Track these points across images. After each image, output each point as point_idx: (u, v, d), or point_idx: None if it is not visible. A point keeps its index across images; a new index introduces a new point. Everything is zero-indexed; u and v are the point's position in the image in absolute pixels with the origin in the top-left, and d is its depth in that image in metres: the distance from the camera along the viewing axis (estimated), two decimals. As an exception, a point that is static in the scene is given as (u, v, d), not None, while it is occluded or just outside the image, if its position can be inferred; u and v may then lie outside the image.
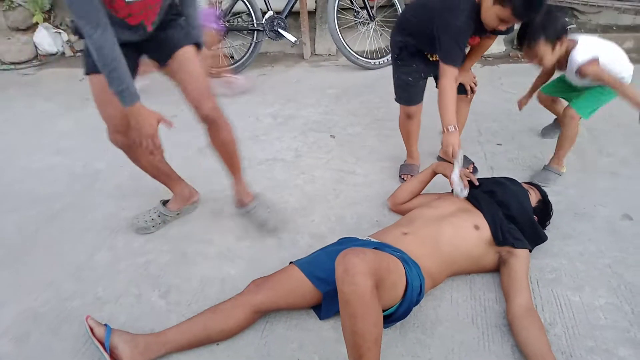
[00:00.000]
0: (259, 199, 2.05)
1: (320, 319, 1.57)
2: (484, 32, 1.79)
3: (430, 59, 2.03)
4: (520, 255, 1.63)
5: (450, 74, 1.80)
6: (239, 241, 1.98)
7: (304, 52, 4.05)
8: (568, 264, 1.75)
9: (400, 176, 2.32)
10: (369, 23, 3.83)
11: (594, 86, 2.07)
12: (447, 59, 1.79)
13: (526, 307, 1.49)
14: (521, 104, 2.45)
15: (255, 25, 3.62)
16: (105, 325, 1.47)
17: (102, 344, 1.42)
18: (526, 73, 3.36)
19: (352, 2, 3.81)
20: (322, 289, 1.48)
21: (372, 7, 3.79)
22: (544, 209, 1.86)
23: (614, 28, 3.77)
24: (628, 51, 3.51)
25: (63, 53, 4.34)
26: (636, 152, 2.41)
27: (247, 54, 3.71)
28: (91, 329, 1.46)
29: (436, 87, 2.01)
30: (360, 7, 3.80)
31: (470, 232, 1.64)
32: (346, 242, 1.63)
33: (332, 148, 2.65)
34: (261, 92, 3.47)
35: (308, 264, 1.55)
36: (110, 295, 1.73)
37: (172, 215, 2.08)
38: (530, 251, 1.70)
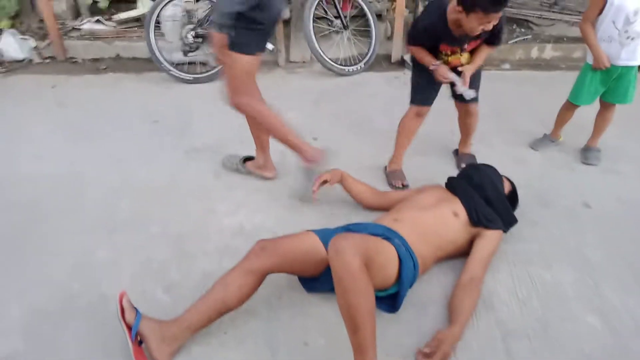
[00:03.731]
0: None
1: (309, 291, 1.71)
2: (459, 41, 1.96)
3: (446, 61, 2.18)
4: (490, 236, 1.81)
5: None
6: (234, 238, 2.07)
7: (279, 60, 4.16)
8: (538, 247, 1.96)
9: (392, 184, 2.41)
10: (342, 31, 4.01)
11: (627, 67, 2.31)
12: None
13: (472, 277, 1.67)
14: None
15: (232, 33, 3.71)
16: (136, 310, 1.48)
17: (129, 328, 1.44)
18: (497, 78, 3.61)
19: (326, 12, 3.98)
20: None
21: (345, 17, 3.97)
22: (512, 199, 2.06)
23: (565, 39, 4.12)
24: (576, 60, 3.86)
25: (31, 60, 4.24)
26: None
27: (225, 61, 3.80)
28: (122, 311, 1.45)
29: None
30: (335, 17, 3.98)
31: (451, 220, 1.82)
32: (352, 227, 1.76)
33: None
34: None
35: (323, 234, 1.65)
36: (114, 292, 1.71)
37: (243, 171, 2.48)
38: (505, 232, 1.89)
